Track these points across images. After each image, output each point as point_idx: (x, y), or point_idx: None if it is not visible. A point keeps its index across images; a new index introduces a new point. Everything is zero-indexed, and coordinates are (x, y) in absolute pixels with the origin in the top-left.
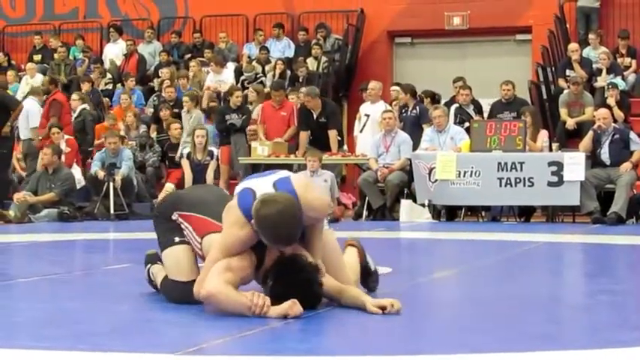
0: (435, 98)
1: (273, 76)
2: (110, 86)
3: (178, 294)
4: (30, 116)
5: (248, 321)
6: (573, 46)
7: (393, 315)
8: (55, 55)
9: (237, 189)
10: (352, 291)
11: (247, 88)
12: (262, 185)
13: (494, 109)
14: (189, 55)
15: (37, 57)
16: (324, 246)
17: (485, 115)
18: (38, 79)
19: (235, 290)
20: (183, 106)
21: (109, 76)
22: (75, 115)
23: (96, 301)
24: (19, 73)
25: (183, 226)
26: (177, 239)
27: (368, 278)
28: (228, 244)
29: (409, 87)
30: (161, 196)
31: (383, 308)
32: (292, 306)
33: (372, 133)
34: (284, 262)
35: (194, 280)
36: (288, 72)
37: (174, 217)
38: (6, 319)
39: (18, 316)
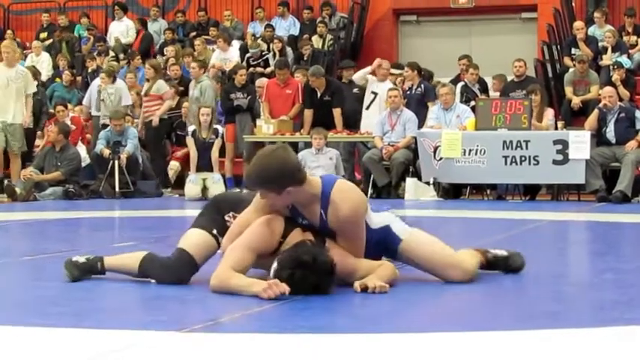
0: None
1: (274, 54)
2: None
3: (178, 265)
4: (123, 95)
5: (256, 299)
6: (579, 24)
7: (398, 295)
8: (60, 33)
9: None
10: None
11: (252, 66)
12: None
13: (507, 88)
14: (194, 34)
15: (44, 35)
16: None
17: (495, 94)
18: (44, 58)
19: (239, 277)
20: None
21: (111, 54)
22: None
23: (102, 278)
24: (25, 51)
25: (229, 224)
26: (214, 231)
27: (497, 265)
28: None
29: (416, 64)
30: (171, 173)
31: (365, 288)
32: (267, 288)
33: (380, 112)
34: (293, 252)
35: (195, 264)
36: (288, 49)
37: (227, 217)
38: (11, 297)
39: (23, 294)
